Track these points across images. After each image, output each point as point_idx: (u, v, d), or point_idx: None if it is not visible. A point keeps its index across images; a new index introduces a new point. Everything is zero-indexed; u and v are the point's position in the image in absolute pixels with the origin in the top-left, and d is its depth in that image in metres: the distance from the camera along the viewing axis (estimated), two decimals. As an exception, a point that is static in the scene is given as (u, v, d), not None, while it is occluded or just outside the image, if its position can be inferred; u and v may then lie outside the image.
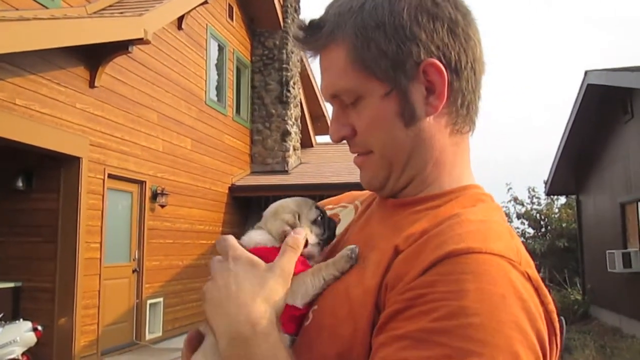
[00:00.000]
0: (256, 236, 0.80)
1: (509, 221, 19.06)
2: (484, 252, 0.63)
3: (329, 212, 0.89)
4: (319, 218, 0.83)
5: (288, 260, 0.72)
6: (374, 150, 0.79)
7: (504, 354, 0.58)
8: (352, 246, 0.76)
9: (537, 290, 0.65)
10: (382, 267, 0.69)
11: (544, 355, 0.63)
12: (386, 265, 0.69)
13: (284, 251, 0.73)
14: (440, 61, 0.74)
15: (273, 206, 0.84)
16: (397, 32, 0.73)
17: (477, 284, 0.61)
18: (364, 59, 0.74)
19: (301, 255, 0.76)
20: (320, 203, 0.92)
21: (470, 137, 0.83)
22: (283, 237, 0.77)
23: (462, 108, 0.78)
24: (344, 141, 0.82)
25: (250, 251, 0.74)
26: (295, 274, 0.73)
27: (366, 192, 0.91)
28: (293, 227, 0.78)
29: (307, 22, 0.78)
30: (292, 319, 0.73)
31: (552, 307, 0.67)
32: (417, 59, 0.73)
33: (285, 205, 0.83)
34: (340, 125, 0.79)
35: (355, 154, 0.82)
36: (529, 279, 0.65)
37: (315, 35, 0.77)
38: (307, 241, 0.78)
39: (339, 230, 0.86)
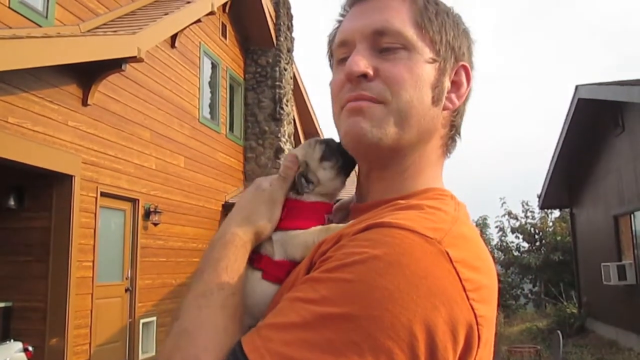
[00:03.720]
0: None
1: (503, 235, 18.83)
2: (394, 226, 0.64)
3: None
4: (326, 151, 0.83)
5: (277, 189, 0.81)
6: (392, 103, 0.74)
7: (363, 313, 0.58)
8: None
9: (458, 273, 0.62)
10: (314, 249, 0.74)
11: (431, 337, 0.59)
12: (317, 247, 0.73)
13: (275, 180, 0.82)
14: None
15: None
16: (457, 26, 0.81)
17: (370, 249, 0.62)
18: (429, 22, 0.77)
19: (326, 200, 0.83)
20: None
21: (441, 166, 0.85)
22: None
23: (459, 125, 0.83)
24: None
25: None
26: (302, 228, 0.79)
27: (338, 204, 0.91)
28: (303, 174, 0.82)
29: None
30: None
31: (475, 295, 0.63)
32: (462, 57, 0.81)
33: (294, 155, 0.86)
34: (366, 62, 0.74)
35: (355, 98, 0.76)
36: (450, 259, 0.62)
37: None
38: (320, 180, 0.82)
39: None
